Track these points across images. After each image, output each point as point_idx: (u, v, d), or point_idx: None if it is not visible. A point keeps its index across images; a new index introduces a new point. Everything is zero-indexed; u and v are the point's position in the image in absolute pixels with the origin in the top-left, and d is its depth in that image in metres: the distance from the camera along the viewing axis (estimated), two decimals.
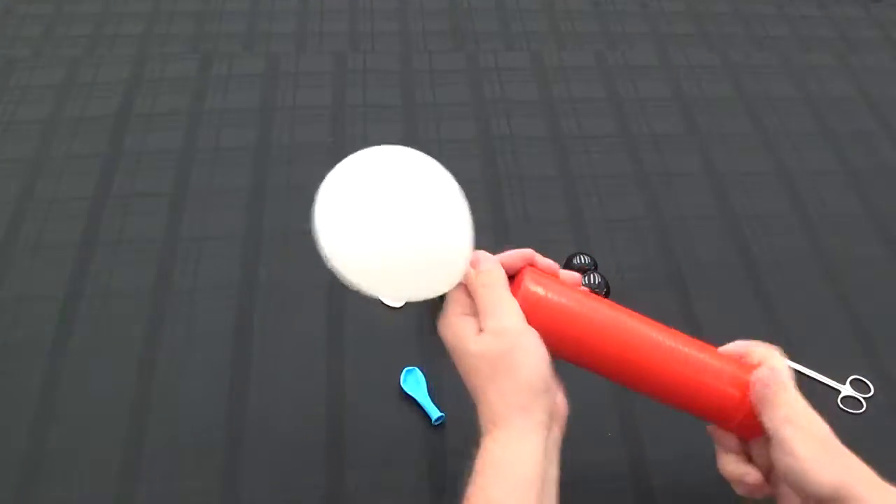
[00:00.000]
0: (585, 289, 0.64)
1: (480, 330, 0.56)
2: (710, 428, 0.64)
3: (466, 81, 1.13)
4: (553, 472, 0.56)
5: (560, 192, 0.97)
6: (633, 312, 0.62)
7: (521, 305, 0.57)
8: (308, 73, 1.12)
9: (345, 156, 1.01)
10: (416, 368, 0.77)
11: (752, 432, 0.60)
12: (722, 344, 0.73)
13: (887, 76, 1.18)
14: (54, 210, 0.93)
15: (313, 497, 0.69)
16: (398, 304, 0.83)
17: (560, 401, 0.58)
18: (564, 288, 0.60)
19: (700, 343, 0.62)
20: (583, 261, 0.85)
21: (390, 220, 0.56)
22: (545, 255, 0.84)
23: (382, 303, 0.84)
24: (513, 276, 0.60)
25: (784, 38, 1.26)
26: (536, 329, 0.56)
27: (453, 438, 0.73)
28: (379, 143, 1.07)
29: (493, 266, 0.58)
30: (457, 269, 0.58)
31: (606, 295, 0.83)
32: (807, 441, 0.55)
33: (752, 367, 0.61)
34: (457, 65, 1.15)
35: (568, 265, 0.85)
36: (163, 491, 0.69)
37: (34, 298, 0.84)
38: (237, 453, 0.72)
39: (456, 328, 0.57)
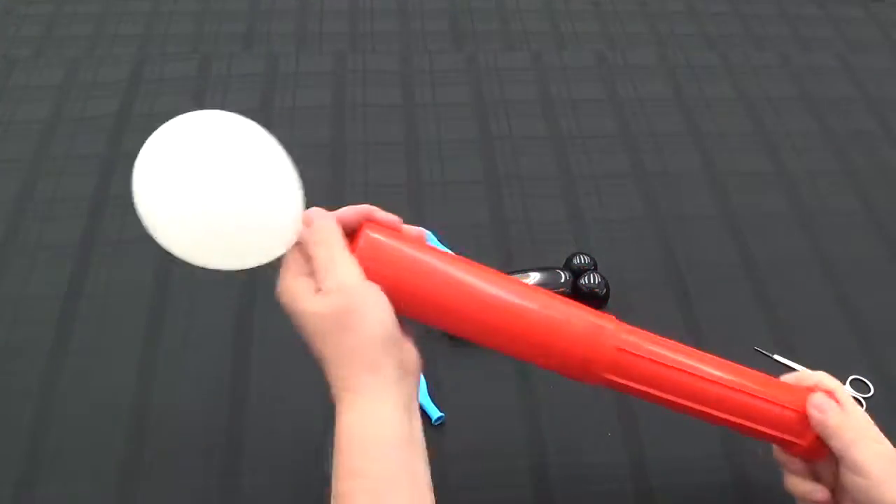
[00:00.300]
0: (432, 245, 0.61)
1: (318, 290, 0.53)
2: (775, 452, 0.63)
3: (466, 81, 1.13)
4: (417, 427, 0.53)
5: (560, 192, 0.97)
6: (482, 267, 0.58)
7: (358, 260, 0.54)
8: (308, 73, 1.12)
9: (344, 156, 1.01)
10: None
11: (816, 454, 0.60)
12: (721, 347, 0.74)
13: (887, 76, 1.18)
14: (54, 210, 0.93)
15: (313, 497, 0.69)
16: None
17: (410, 350, 0.55)
18: (405, 241, 0.57)
19: (751, 373, 0.61)
20: (583, 261, 0.85)
21: (204, 180, 0.54)
22: (545, 254, 0.85)
23: None
24: (352, 234, 0.57)
25: (784, 38, 1.26)
26: (378, 283, 0.53)
27: (453, 438, 0.73)
28: (379, 144, 1.07)
29: (325, 222, 0.56)
30: (286, 230, 0.56)
31: (606, 295, 0.83)
32: (877, 460, 0.55)
33: (809, 390, 0.60)
34: (457, 65, 1.15)
35: (568, 265, 0.85)
36: (163, 491, 0.69)
37: (34, 298, 0.84)
38: (237, 453, 0.72)
39: (292, 290, 0.54)
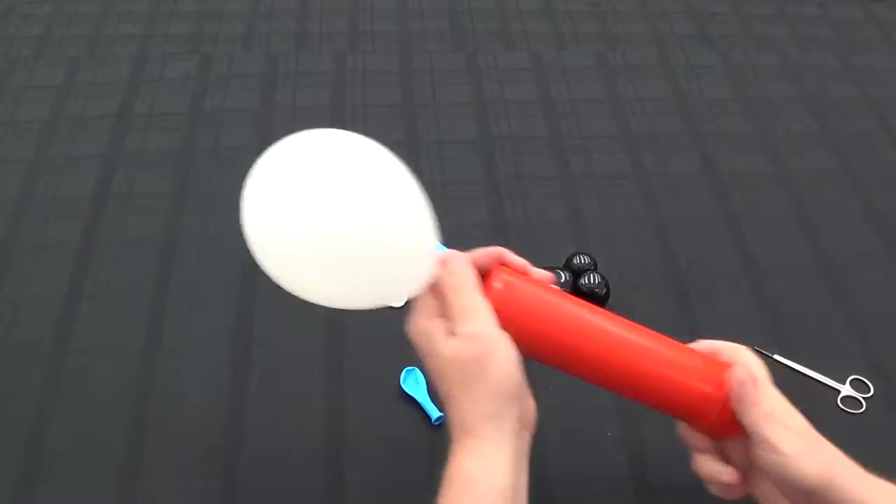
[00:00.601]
0: (556, 287, 0.61)
1: (451, 333, 0.54)
2: (682, 431, 0.62)
3: (466, 81, 1.13)
4: (523, 480, 0.55)
5: (560, 192, 0.97)
6: (604, 311, 0.60)
7: (492, 305, 0.54)
8: (308, 73, 1.12)
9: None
10: (416, 368, 0.77)
11: (726, 431, 0.59)
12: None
13: (887, 76, 1.18)
14: (54, 210, 0.93)
15: (313, 497, 0.69)
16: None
17: (529, 405, 0.57)
18: (537, 287, 0.58)
19: (673, 341, 0.60)
20: (583, 261, 0.85)
21: (334, 207, 0.49)
22: (545, 254, 0.84)
23: None
24: (483, 275, 0.57)
25: (784, 38, 1.26)
26: (507, 329, 0.54)
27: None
28: (379, 144, 1.06)
29: (463, 266, 0.56)
30: (423, 269, 0.55)
31: (606, 295, 0.83)
32: (790, 436, 0.55)
33: (724, 364, 0.60)
34: (457, 65, 1.15)
35: (568, 265, 0.85)
36: (163, 491, 0.69)
37: (34, 298, 0.84)
38: (237, 453, 0.72)
39: (428, 332, 0.55)
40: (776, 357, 0.81)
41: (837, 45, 1.25)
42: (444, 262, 0.56)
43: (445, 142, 1.03)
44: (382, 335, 0.81)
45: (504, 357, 0.53)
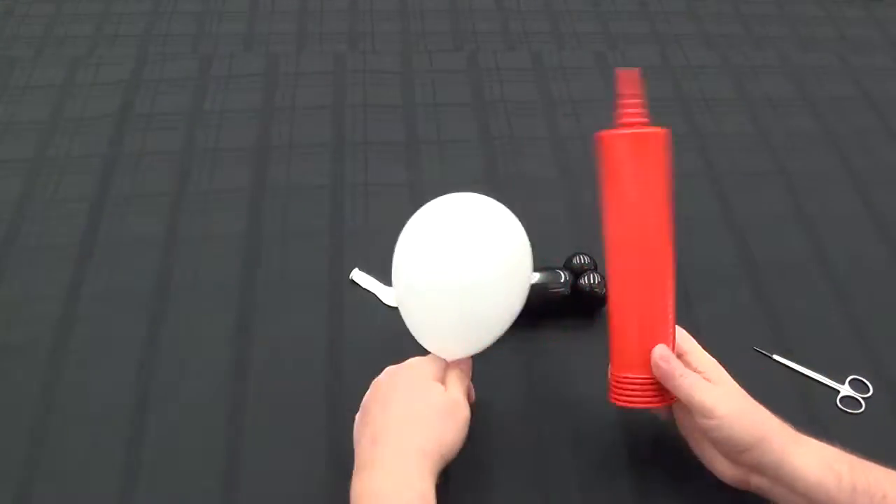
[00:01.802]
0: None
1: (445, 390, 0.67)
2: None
3: (466, 81, 1.13)
4: None
5: (560, 192, 0.97)
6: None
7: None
8: (308, 73, 1.12)
9: (344, 156, 1.01)
10: None
11: (661, 401, 0.67)
12: (721, 346, 0.74)
13: (887, 76, 1.18)
14: (54, 210, 0.93)
15: (313, 497, 0.69)
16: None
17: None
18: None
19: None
20: (583, 261, 0.85)
21: (463, 272, 0.66)
22: (546, 254, 0.85)
23: (382, 302, 0.84)
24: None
25: (784, 38, 1.26)
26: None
27: None
28: (379, 143, 1.07)
29: (468, 372, 0.71)
30: (477, 349, 0.70)
31: (606, 294, 0.83)
32: (722, 399, 0.63)
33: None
34: (457, 65, 1.16)
35: (568, 265, 0.85)
36: (163, 491, 0.69)
37: (34, 298, 0.84)
38: (237, 453, 0.72)
39: (433, 385, 0.67)
40: (776, 357, 0.81)
41: (837, 45, 1.25)
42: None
43: (445, 142, 1.03)
44: (383, 335, 0.81)
45: (464, 420, 0.65)
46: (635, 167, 0.65)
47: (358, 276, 0.86)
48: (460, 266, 0.66)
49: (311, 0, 1.28)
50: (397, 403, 0.64)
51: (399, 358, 0.79)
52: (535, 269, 0.82)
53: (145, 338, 0.80)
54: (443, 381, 0.68)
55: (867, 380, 0.79)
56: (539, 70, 1.15)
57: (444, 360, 0.69)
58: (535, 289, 0.81)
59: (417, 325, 0.70)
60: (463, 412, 0.65)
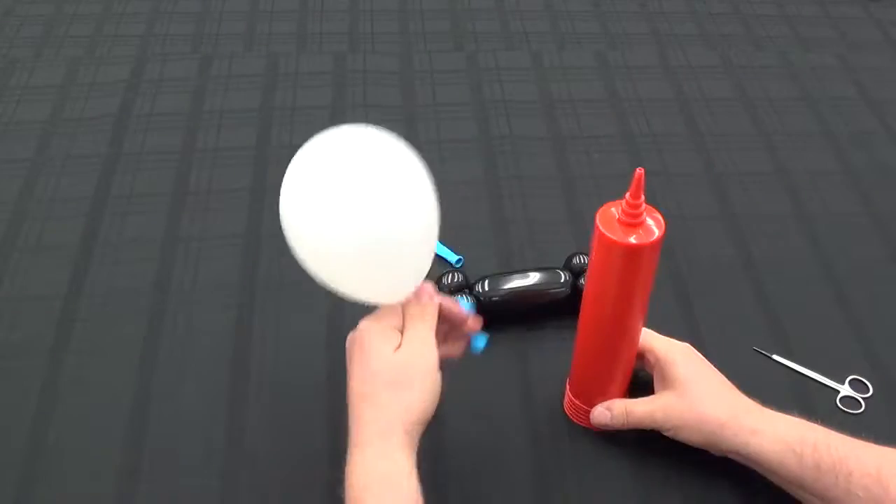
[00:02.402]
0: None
1: (399, 348, 0.61)
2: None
3: (466, 81, 1.13)
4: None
5: (560, 192, 0.97)
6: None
7: None
8: (308, 73, 1.12)
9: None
10: None
11: None
12: (721, 347, 0.74)
13: (887, 76, 1.18)
14: (54, 210, 0.93)
15: (313, 497, 0.69)
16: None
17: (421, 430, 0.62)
18: None
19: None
20: (583, 261, 0.85)
21: (363, 212, 0.57)
22: (545, 254, 0.85)
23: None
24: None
25: (784, 38, 1.26)
26: None
27: (453, 438, 0.73)
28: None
29: (432, 303, 0.64)
30: (413, 281, 0.62)
31: None
32: (667, 414, 0.67)
33: None
34: (457, 65, 1.16)
35: (568, 265, 0.85)
36: (163, 491, 0.69)
37: (34, 298, 0.84)
38: (237, 453, 0.72)
39: (387, 337, 0.61)
40: (775, 357, 0.81)
41: (837, 45, 1.25)
42: (420, 291, 0.63)
43: (445, 142, 1.03)
44: None
45: (434, 383, 0.60)
46: (621, 269, 0.62)
47: None
48: (369, 217, 0.57)
49: (311, 0, 1.28)
50: (354, 377, 0.61)
51: None
52: (535, 269, 0.83)
53: (145, 338, 0.80)
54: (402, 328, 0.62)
55: (867, 380, 0.79)
56: (539, 70, 1.15)
57: (395, 303, 0.63)
58: (535, 289, 0.81)
59: (331, 281, 0.62)
60: (424, 363, 0.60)
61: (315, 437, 0.73)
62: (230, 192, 0.95)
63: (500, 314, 0.79)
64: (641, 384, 0.73)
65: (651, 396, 0.70)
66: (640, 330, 0.69)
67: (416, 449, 0.59)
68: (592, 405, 0.72)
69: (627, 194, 0.60)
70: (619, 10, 1.29)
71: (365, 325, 0.63)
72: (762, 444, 0.64)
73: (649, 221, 0.60)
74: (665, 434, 0.69)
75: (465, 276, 0.82)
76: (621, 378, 0.71)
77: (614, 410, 0.70)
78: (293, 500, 0.69)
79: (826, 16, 1.31)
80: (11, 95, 1.08)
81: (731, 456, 0.67)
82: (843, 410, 0.77)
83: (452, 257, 0.88)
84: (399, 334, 0.62)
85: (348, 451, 0.59)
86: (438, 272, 0.83)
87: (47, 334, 0.80)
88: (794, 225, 0.95)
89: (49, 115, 1.05)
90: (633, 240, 0.59)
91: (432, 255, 0.64)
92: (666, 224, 0.61)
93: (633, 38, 1.23)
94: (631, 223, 0.60)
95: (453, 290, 0.81)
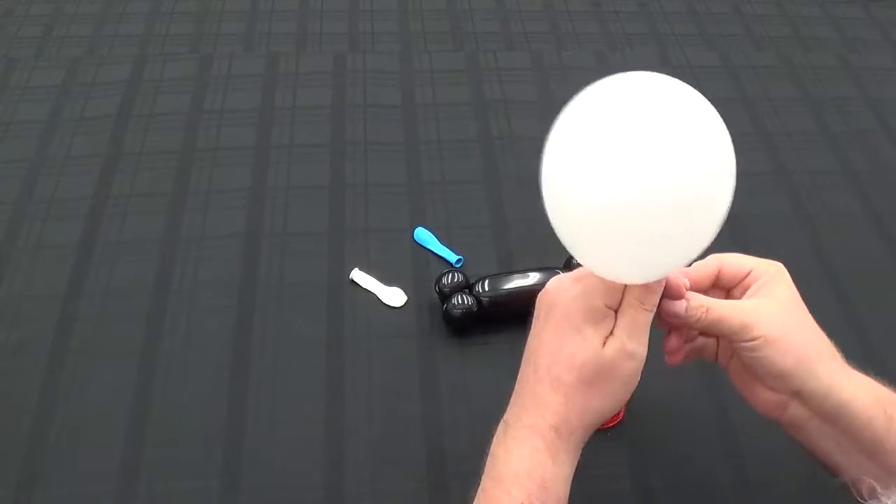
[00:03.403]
0: None
1: (610, 335, 0.53)
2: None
3: (466, 81, 1.13)
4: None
5: None
6: None
7: None
8: (308, 73, 1.12)
9: (344, 157, 1.00)
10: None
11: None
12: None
13: (887, 76, 1.18)
14: (54, 210, 0.93)
15: (313, 497, 0.69)
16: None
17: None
18: None
19: None
20: None
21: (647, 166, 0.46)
22: (545, 254, 0.84)
23: (382, 302, 0.84)
24: None
25: (784, 38, 1.26)
26: None
27: (454, 438, 0.73)
28: (379, 143, 1.07)
29: (658, 289, 0.54)
30: (695, 249, 0.51)
31: None
32: (759, 325, 0.54)
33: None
34: (457, 65, 1.15)
35: (568, 265, 0.85)
36: (163, 491, 0.69)
37: (34, 298, 0.84)
38: (237, 453, 0.72)
39: (599, 319, 0.53)
40: None
41: (837, 45, 1.25)
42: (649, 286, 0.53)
43: (445, 142, 1.03)
44: (383, 335, 0.81)
45: (632, 387, 0.53)
46: None
47: (358, 276, 0.86)
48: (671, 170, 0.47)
49: (311, 0, 1.28)
50: (544, 352, 0.53)
51: (399, 358, 0.79)
52: (535, 270, 0.83)
53: (145, 338, 0.80)
54: (615, 312, 0.53)
55: None
56: (539, 70, 1.15)
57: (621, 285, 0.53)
58: (535, 289, 0.81)
59: (589, 247, 0.52)
60: (633, 367, 0.52)
61: (315, 437, 0.73)
62: (230, 192, 0.95)
63: (500, 314, 0.79)
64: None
65: (739, 301, 0.57)
66: None
67: (581, 447, 0.54)
68: None
69: None
70: (619, 10, 1.29)
71: (570, 292, 0.53)
72: (857, 394, 0.53)
73: None
74: (740, 348, 0.55)
75: (465, 276, 0.82)
76: None
77: (693, 301, 0.55)
78: (293, 500, 0.69)
79: (826, 16, 1.31)
80: (11, 95, 1.08)
81: (790, 413, 0.56)
82: None
83: (452, 257, 0.88)
84: (611, 316, 0.53)
85: (510, 427, 0.54)
86: (438, 272, 0.83)
87: (47, 334, 0.80)
88: (795, 225, 0.95)
89: (49, 115, 1.05)
90: None
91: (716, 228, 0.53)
92: None
93: (633, 38, 1.23)
94: None
95: (453, 290, 0.81)
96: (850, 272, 0.90)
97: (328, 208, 0.93)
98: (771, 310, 0.55)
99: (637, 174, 0.46)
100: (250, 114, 1.06)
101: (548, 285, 0.55)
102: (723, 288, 0.59)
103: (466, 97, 1.10)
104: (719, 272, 0.58)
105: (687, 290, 0.55)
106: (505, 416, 0.55)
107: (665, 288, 0.54)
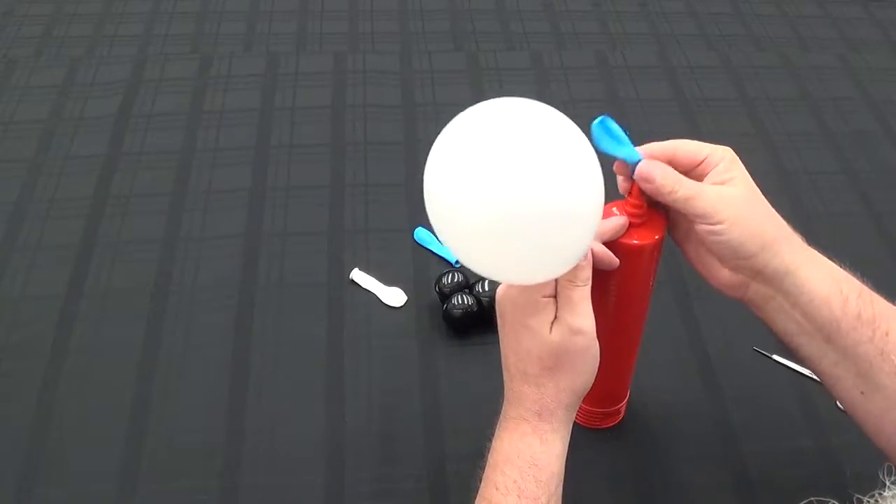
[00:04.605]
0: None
1: (556, 319, 0.55)
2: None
3: (466, 81, 1.13)
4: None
5: None
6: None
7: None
8: (308, 73, 1.12)
9: (344, 156, 1.00)
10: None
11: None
12: (721, 347, 0.73)
13: (887, 76, 1.18)
14: (54, 210, 0.93)
15: (313, 497, 0.69)
16: (396, 304, 0.83)
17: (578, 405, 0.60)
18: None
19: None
20: None
21: (520, 183, 0.49)
22: None
23: (382, 302, 0.84)
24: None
25: (784, 38, 1.26)
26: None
27: (454, 438, 0.73)
28: (379, 143, 1.07)
29: (588, 268, 0.56)
30: (578, 252, 0.53)
31: None
32: (721, 203, 0.55)
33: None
34: (457, 65, 1.15)
35: None
36: (163, 491, 0.69)
37: (34, 298, 0.84)
38: (237, 453, 0.72)
39: (539, 308, 0.55)
40: (776, 357, 0.81)
41: (837, 45, 1.25)
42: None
43: None
44: (383, 335, 0.81)
45: (594, 358, 0.56)
46: (622, 269, 0.61)
47: (358, 276, 0.86)
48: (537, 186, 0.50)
49: (311, 0, 1.28)
50: (509, 352, 0.57)
51: (399, 358, 0.79)
52: None
53: (145, 338, 0.80)
54: (554, 298, 0.55)
55: None
56: (539, 70, 1.15)
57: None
58: None
59: (489, 267, 0.54)
60: (584, 340, 0.55)
61: (315, 437, 0.73)
62: (230, 192, 0.95)
63: None
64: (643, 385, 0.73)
65: (703, 184, 0.57)
66: (641, 330, 0.68)
67: (571, 422, 0.57)
68: (591, 405, 0.72)
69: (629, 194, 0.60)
70: (619, 10, 1.29)
71: (509, 293, 0.56)
72: (814, 274, 0.56)
73: (651, 222, 0.60)
74: (705, 231, 0.56)
75: (465, 276, 0.82)
76: (622, 378, 0.71)
77: (668, 170, 0.56)
78: (293, 501, 0.69)
79: (826, 16, 1.31)
80: (11, 95, 1.08)
81: (752, 291, 0.58)
82: (844, 411, 0.77)
83: (452, 257, 0.88)
84: (552, 303, 0.55)
85: (501, 421, 0.57)
86: (438, 272, 0.83)
87: (47, 334, 0.80)
88: (794, 225, 0.95)
89: (49, 115, 1.05)
90: (634, 240, 0.59)
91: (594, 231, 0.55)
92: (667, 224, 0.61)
93: (633, 38, 1.23)
94: (632, 223, 0.60)
95: (453, 290, 0.81)
96: (850, 272, 0.90)
97: (328, 208, 0.93)
98: (733, 194, 0.56)
99: (512, 192, 0.49)
100: (250, 114, 1.06)
101: (496, 294, 0.58)
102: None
103: (466, 97, 1.10)
104: (674, 156, 0.59)
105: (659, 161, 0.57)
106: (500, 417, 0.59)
107: (594, 259, 0.57)
